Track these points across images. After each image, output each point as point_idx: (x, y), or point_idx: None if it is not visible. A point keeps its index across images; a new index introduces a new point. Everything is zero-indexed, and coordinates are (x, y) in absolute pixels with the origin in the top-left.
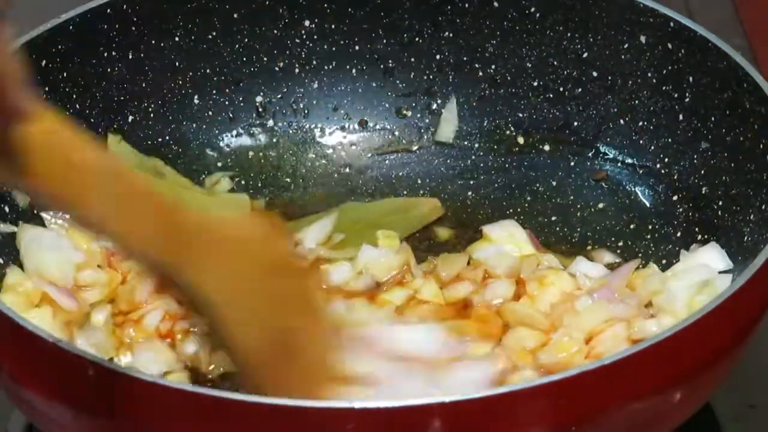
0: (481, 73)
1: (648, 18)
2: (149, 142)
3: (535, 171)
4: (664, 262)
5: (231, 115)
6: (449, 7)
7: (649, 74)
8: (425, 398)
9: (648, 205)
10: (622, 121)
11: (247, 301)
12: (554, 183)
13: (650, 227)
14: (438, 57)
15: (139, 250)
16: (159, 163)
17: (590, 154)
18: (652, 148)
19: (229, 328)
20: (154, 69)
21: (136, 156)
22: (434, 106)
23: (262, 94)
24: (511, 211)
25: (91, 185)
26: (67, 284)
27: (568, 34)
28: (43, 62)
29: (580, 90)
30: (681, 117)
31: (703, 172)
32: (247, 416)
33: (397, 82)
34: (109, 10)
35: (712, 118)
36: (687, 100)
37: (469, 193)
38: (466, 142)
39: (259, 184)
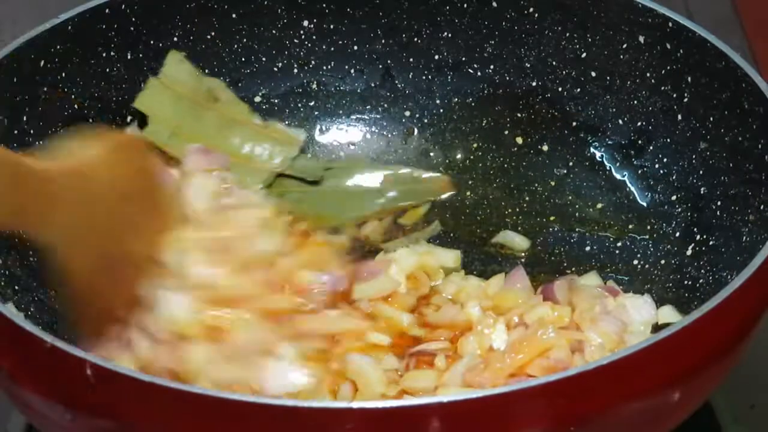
0: (479, 74)
1: (647, 18)
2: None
3: (533, 171)
4: (663, 262)
5: None
6: (448, 8)
7: (648, 74)
8: (425, 398)
9: (647, 205)
10: (620, 121)
11: (88, 238)
12: (553, 183)
13: (649, 227)
14: (437, 57)
15: None
16: (219, 86)
17: (589, 154)
18: (651, 148)
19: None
20: (152, 69)
21: (195, 76)
22: (432, 106)
23: (261, 94)
24: (509, 210)
25: None
26: None
27: (567, 35)
28: (42, 62)
29: (578, 90)
30: (680, 117)
31: (701, 172)
32: (246, 416)
33: (396, 82)
34: (107, 11)
35: (711, 118)
36: (686, 100)
37: (468, 193)
38: (465, 142)
39: None
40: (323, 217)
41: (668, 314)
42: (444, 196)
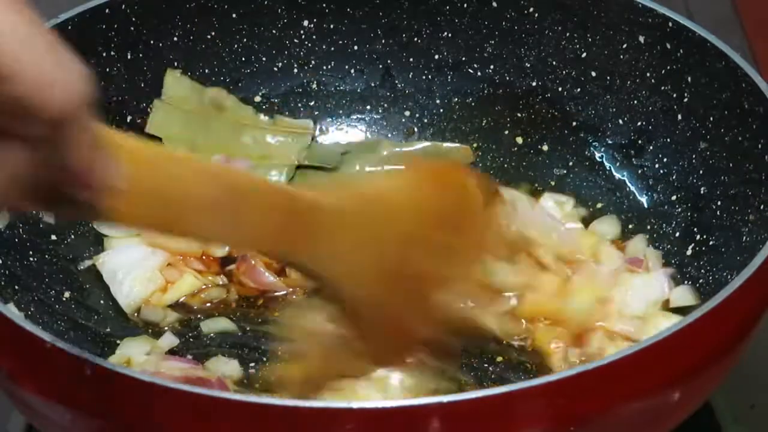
0: (479, 73)
1: (647, 18)
2: None
3: (533, 171)
4: (662, 261)
5: None
6: (448, 7)
7: (648, 74)
8: (424, 398)
9: (646, 205)
10: (620, 121)
11: (375, 268)
12: (552, 183)
13: (649, 227)
14: (437, 57)
15: (251, 247)
16: (221, 94)
17: (589, 154)
18: (651, 147)
19: (348, 297)
20: (152, 69)
21: (196, 90)
22: (432, 106)
23: (261, 94)
24: None
25: (194, 205)
26: None
27: (567, 34)
28: None
29: (578, 90)
30: (680, 117)
31: (701, 171)
32: (246, 416)
33: (396, 82)
34: (107, 11)
35: (711, 118)
36: (686, 100)
37: None
38: (465, 142)
39: None
40: None
41: (682, 296)
42: None
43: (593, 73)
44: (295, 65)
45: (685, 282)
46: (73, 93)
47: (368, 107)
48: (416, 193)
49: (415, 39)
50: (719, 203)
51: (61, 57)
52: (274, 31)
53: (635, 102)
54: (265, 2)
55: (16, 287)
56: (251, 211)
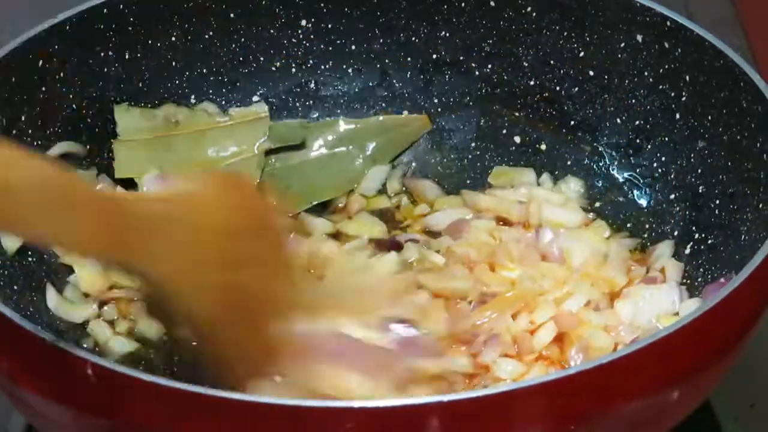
0: (477, 73)
1: (645, 17)
2: None
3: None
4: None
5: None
6: (445, 7)
7: (646, 73)
8: (424, 398)
9: (645, 204)
10: (618, 120)
11: (198, 271)
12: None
13: (647, 226)
14: (434, 56)
15: (86, 252)
16: (170, 109)
17: (587, 153)
18: (649, 146)
19: (182, 301)
20: (150, 69)
21: (147, 113)
22: (430, 106)
23: (259, 93)
24: None
25: (27, 204)
26: None
27: (565, 33)
28: (40, 62)
29: (576, 89)
30: (678, 116)
31: (700, 170)
32: (246, 416)
33: (394, 81)
34: (105, 10)
35: (709, 117)
36: (684, 98)
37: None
38: (463, 142)
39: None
40: (312, 190)
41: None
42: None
43: (591, 72)
44: (293, 65)
45: (685, 281)
46: None
47: (366, 107)
48: (217, 203)
49: (413, 38)
50: (718, 202)
51: None
52: (272, 31)
53: (633, 101)
54: (263, 2)
55: (16, 287)
56: (78, 213)
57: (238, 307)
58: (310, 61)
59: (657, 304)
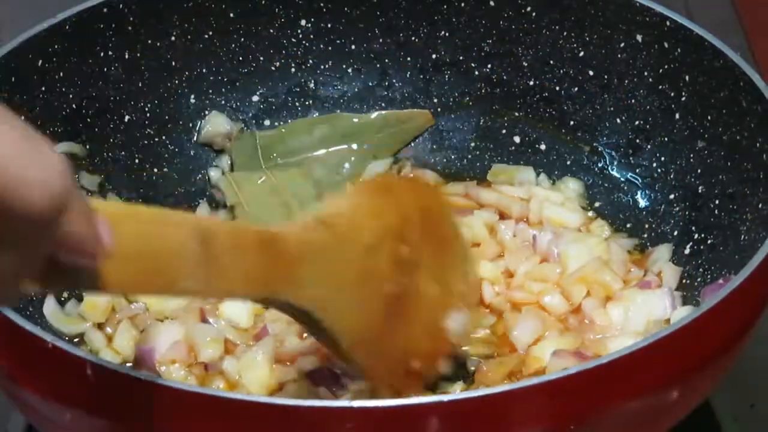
0: (477, 73)
1: (644, 17)
2: (146, 142)
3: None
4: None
5: (228, 115)
6: (445, 7)
7: (646, 73)
8: (423, 398)
9: (644, 204)
10: (618, 120)
11: (344, 296)
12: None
13: (647, 226)
14: (434, 56)
15: (234, 294)
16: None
17: (586, 153)
18: (649, 146)
19: (330, 327)
20: (150, 69)
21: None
22: (430, 105)
23: (258, 93)
24: None
25: (181, 266)
26: None
27: (564, 33)
28: (40, 62)
29: (576, 89)
30: (677, 116)
31: (699, 170)
32: (246, 416)
33: (394, 81)
34: (105, 10)
35: (709, 117)
36: (683, 98)
37: None
38: (463, 142)
39: None
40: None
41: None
42: None
43: (591, 72)
44: (293, 65)
45: (684, 282)
46: (54, 189)
47: (366, 107)
48: (378, 205)
49: (413, 38)
50: (717, 202)
51: (35, 155)
52: (271, 31)
53: (633, 101)
54: (263, 2)
55: None
56: (227, 254)
57: (401, 313)
58: (310, 61)
59: (649, 309)
